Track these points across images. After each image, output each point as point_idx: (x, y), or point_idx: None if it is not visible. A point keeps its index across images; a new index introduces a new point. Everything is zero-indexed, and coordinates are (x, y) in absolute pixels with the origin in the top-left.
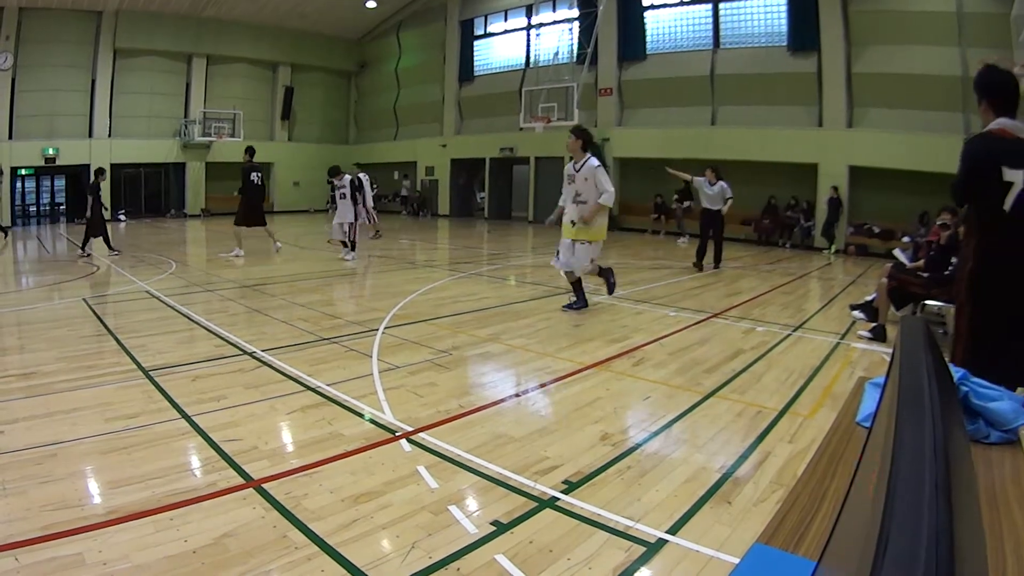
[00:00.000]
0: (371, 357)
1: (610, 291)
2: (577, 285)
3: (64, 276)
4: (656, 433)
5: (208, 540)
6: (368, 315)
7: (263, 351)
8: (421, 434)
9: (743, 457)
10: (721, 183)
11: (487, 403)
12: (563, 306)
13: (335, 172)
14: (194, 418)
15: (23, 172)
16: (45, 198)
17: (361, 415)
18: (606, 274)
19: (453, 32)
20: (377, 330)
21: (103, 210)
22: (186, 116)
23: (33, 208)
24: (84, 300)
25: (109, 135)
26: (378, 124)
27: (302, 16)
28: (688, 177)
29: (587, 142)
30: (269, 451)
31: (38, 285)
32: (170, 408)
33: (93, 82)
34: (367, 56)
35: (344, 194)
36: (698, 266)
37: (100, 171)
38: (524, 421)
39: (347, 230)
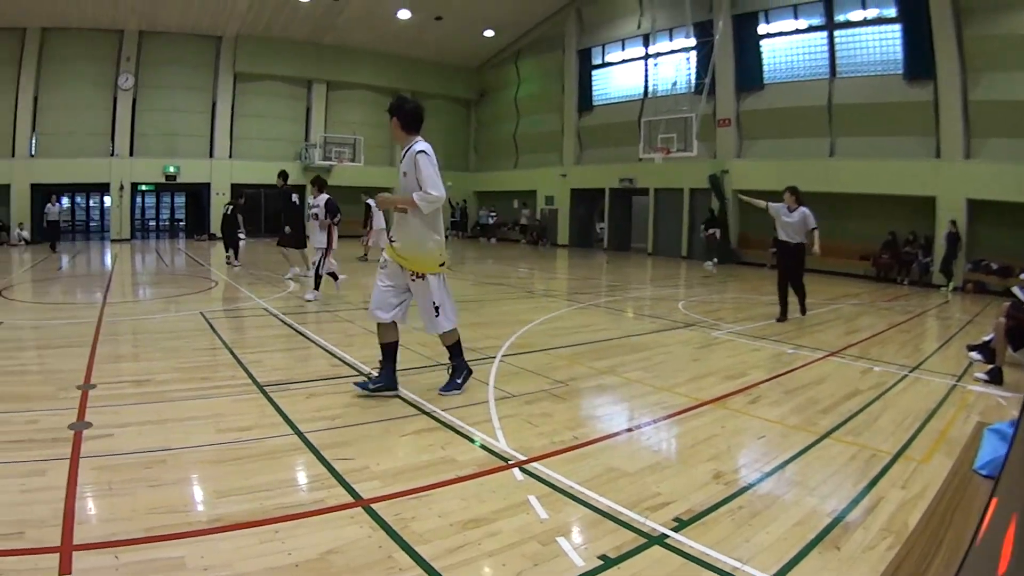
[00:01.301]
0: (488, 384)
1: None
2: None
3: (183, 289)
4: (769, 474)
5: (312, 555)
6: (486, 342)
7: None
8: (534, 464)
9: (855, 502)
10: (803, 209)
11: (601, 436)
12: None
13: (321, 184)
14: (307, 435)
15: (143, 188)
16: (165, 214)
17: (474, 441)
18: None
19: (571, 61)
20: (495, 358)
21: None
22: (307, 140)
23: (153, 223)
24: (201, 314)
25: (230, 156)
26: (498, 153)
27: (422, 44)
28: (763, 204)
29: None
30: (380, 472)
31: (156, 297)
32: (283, 423)
33: (214, 104)
34: (486, 84)
35: (317, 215)
36: (783, 318)
37: (240, 194)
38: (638, 455)
39: (316, 260)
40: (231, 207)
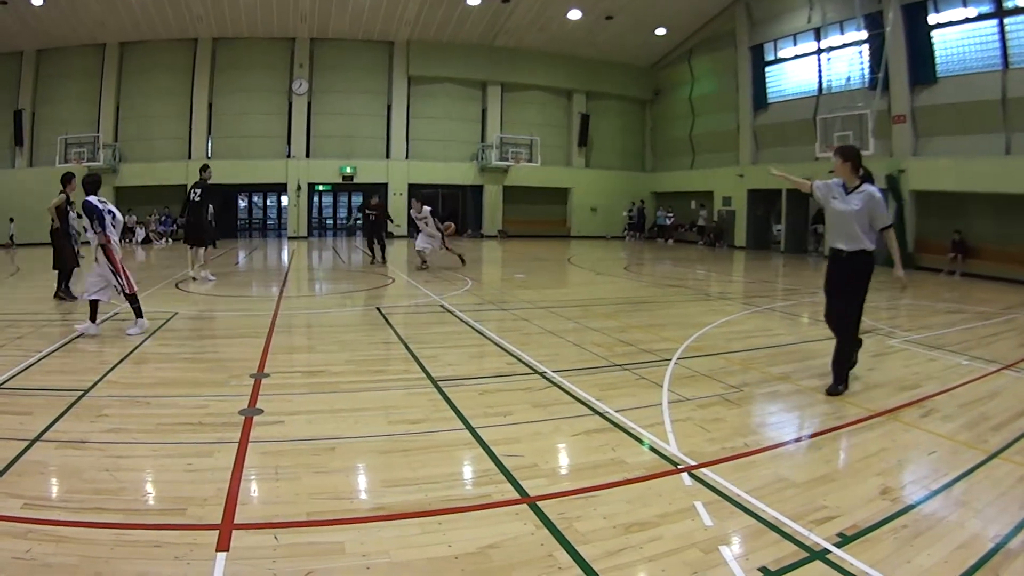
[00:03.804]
0: (662, 387)
1: None
2: None
3: (359, 285)
4: (936, 492)
5: (472, 548)
6: (661, 344)
7: (554, 372)
8: (703, 469)
9: (1018, 528)
10: (868, 189)
11: (772, 444)
12: None
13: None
14: (478, 430)
15: (320, 188)
16: (342, 212)
17: (643, 443)
18: None
19: (744, 58)
20: (670, 360)
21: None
22: (483, 140)
23: (330, 221)
24: (378, 309)
25: (406, 157)
26: (674, 152)
27: (594, 44)
28: (805, 184)
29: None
30: (548, 470)
31: (332, 292)
32: (455, 418)
33: (389, 107)
34: (660, 83)
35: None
36: (834, 389)
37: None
38: (806, 466)
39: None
40: (371, 213)
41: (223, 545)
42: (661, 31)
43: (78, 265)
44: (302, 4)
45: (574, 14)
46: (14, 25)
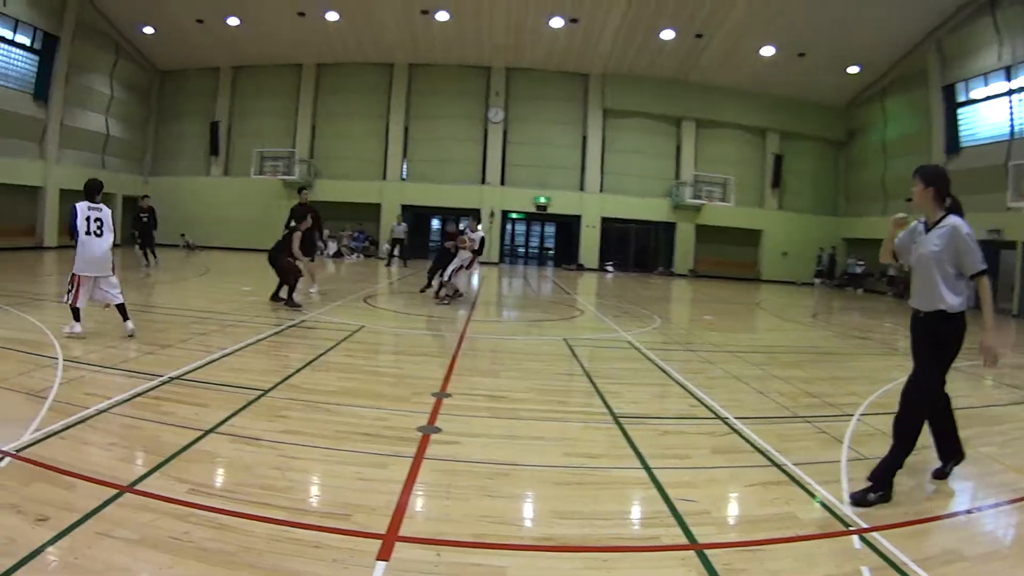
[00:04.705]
0: (842, 443)
1: None
2: None
3: (547, 315)
4: None
5: None
6: (845, 399)
7: (735, 418)
8: (874, 533)
9: None
10: (953, 222)
11: (945, 513)
12: None
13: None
14: (654, 471)
15: (514, 216)
16: (534, 241)
17: (815, 499)
18: None
19: (936, 99)
20: (852, 416)
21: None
22: (677, 177)
23: (522, 249)
24: (565, 340)
25: (600, 190)
26: (865, 197)
27: (786, 83)
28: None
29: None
30: (720, 518)
31: (520, 319)
32: (632, 456)
33: (584, 138)
34: (853, 124)
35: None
36: (940, 472)
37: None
38: (979, 539)
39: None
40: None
41: (384, 555)
42: (854, 69)
43: (301, 276)
44: (496, 33)
45: (767, 50)
46: (210, 42)
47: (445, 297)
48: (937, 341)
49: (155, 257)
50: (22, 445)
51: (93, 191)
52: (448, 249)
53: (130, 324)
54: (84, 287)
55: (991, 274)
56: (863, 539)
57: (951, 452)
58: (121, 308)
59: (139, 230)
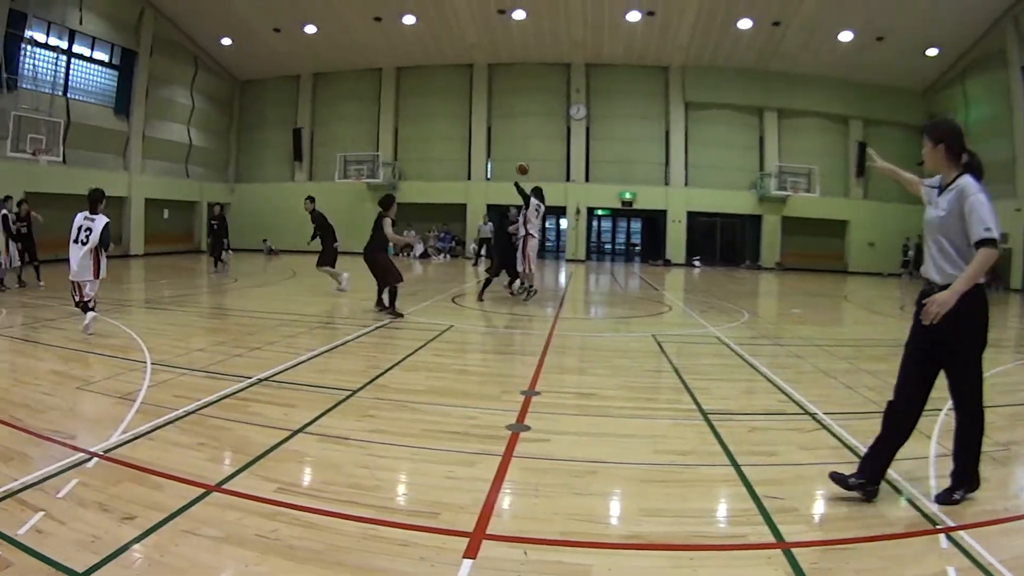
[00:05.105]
0: (930, 439)
1: None
2: None
3: (635, 312)
4: None
5: None
6: (934, 392)
7: (824, 414)
8: (960, 532)
9: None
10: (965, 182)
11: None
12: None
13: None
14: (743, 468)
15: (599, 213)
16: (620, 238)
17: (901, 495)
18: None
19: (1016, 79)
20: (940, 411)
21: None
22: (761, 169)
23: (608, 246)
24: (653, 336)
25: (685, 184)
26: None
27: (866, 68)
28: (914, 182)
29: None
30: (807, 516)
31: (608, 316)
32: (721, 453)
33: (667, 132)
34: (934, 108)
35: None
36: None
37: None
38: None
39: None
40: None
41: (471, 553)
42: (933, 51)
43: (401, 280)
44: (574, 29)
45: (845, 35)
46: (288, 51)
47: (522, 291)
48: (959, 323)
49: (224, 263)
50: (110, 446)
51: (95, 202)
52: (509, 242)
53: (88, 317)
54: (75, 289)
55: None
56: (950, 538)
57: (876, 471)
58: (85, 305)
59: (211, 237)
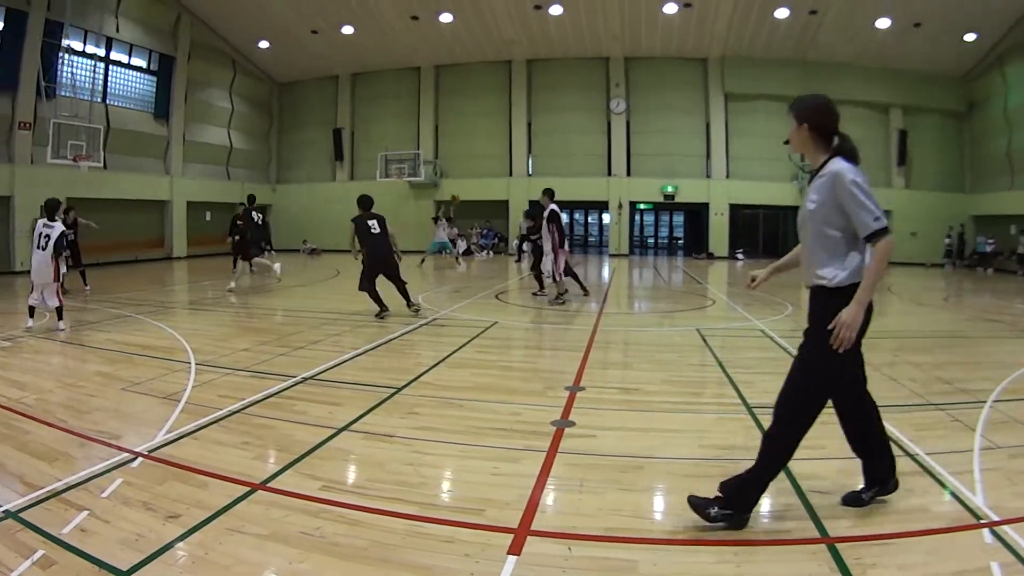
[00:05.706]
0: (975, 432)
1: None
2: None
3: (679, 306)
4: None
5: None
6: (979, 384)
7: None
8: (1006, 527)
9: None
10: (836, 165)
11: None
12: None
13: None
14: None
15: (642, 207)
16: (663, 232)
17: (946, 489)
18: None
19: None
20: (985, 403)
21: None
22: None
23: (651, 240)
24: (697, 330)
25: (726, 176)
26: (991, 171)
27: (904, 55)
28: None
29: None
30: (852, 511)
31: (652, 311)
32: None
33: (707, 124)
34: (974, 95)
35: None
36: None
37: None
38: None
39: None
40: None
41: (515, 549)
42: (971, 36)
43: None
44: (611, 23)
45: (882, 22)
46: (326, 52)
47: (556, 296)
48: (820, 324)
49: (258, 266)
50: (155, 446)
51: (51, 210)
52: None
53: (62, 323)
54: (34, 292)
55: None
56: (994, 533)
57: (878, 474)
58: (58, 310)
59: (233, 235)
